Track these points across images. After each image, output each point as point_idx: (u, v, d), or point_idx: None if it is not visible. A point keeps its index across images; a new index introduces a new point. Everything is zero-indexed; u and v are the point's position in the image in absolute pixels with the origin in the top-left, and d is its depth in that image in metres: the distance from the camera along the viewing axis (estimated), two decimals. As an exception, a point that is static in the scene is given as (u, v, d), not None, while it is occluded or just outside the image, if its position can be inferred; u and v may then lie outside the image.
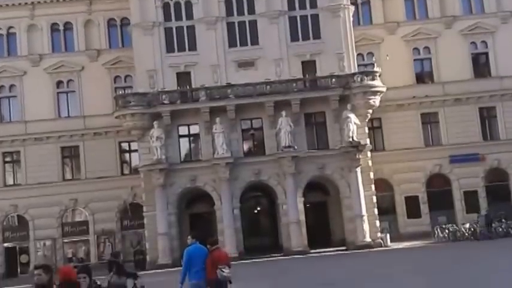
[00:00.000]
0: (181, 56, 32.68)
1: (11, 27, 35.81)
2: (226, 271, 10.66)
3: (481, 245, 27.28)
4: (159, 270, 27.79)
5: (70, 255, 33.64)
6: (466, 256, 22.98)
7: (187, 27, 32.90)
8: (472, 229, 30.90)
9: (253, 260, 28.78)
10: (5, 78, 35.59)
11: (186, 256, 10.66)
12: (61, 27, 35.93)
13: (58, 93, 35.75)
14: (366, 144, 31.03)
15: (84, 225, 34.68)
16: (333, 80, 31.35)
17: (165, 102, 31.14)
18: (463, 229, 31.01)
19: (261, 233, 36.16)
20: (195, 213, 33.94)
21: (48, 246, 34.11)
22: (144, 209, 31.77)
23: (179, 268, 12.08)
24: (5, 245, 34.51)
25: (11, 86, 35.72)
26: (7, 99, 35.98)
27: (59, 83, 35.77)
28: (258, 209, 36.37)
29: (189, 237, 11.10)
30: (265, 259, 29.07)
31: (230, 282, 10.67)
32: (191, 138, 32.48)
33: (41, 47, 35.74)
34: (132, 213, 34.29)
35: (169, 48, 32.76)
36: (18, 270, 34.06)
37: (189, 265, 10.59)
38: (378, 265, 22.77)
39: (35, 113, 34.85)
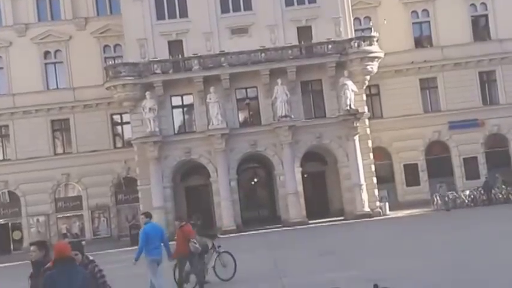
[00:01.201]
0: (172, 23, 31.71)
1: (-6, -5, 34.52)
2: (196, 244, 12.11)
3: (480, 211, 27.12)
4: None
5: (64, 231, 33.24)
6: (465, 224, 22.77)
7: (178, -8, 31.83)
8: (472, 196, 30.75)
9: (252, 232, 28.43)
10: None
11: (143, 234, 11.42)
12: (46, -6, 34.69)
13: (46, 64, 34.76)
14: (363, 112, 30.50)
15: (78, 200, 34.10)
16: (330, 46, 30.61)
17: (157, 72, 30.30)
18: (463, 196, 30.83)
19: (259, 205, 35.67)
20: (191, 186, 33.38)
21: (41, 223, 33.53)
22: (139, 182, 31.21)
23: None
24: (-3, 221, 33.99)
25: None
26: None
27: (46, 54, 34.72)
28: (255, 180, 35.86)
29: (142, 216, 12.22)
30: (264, 231, 28.71)
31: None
32: (185, 108, 31.73)
33: (27, 16, 34.53)
34: (126, 187, 33.76)
35: (160, 15, 31.78)
36: (11, 247, 33.58)
37: (146, 243, 11.35)
38: (377, 234, 22.71)
39: (23, 86, 33.84)
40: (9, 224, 34.01)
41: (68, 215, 34.25)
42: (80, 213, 34.03)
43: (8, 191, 34.22)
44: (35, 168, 33.10)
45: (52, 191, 33.88)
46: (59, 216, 33.99)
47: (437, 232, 20.38)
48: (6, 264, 27.20)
